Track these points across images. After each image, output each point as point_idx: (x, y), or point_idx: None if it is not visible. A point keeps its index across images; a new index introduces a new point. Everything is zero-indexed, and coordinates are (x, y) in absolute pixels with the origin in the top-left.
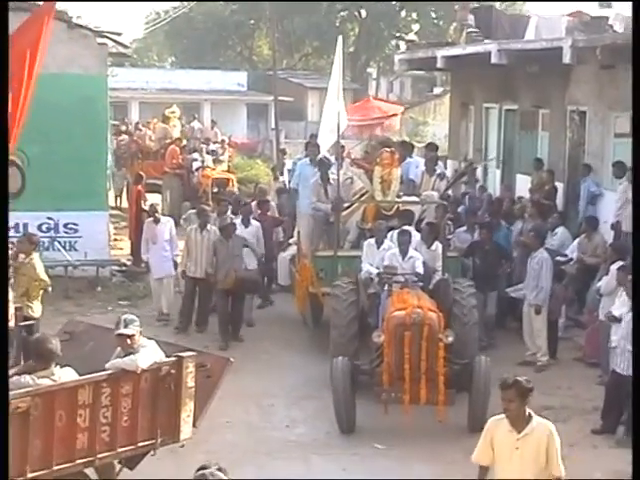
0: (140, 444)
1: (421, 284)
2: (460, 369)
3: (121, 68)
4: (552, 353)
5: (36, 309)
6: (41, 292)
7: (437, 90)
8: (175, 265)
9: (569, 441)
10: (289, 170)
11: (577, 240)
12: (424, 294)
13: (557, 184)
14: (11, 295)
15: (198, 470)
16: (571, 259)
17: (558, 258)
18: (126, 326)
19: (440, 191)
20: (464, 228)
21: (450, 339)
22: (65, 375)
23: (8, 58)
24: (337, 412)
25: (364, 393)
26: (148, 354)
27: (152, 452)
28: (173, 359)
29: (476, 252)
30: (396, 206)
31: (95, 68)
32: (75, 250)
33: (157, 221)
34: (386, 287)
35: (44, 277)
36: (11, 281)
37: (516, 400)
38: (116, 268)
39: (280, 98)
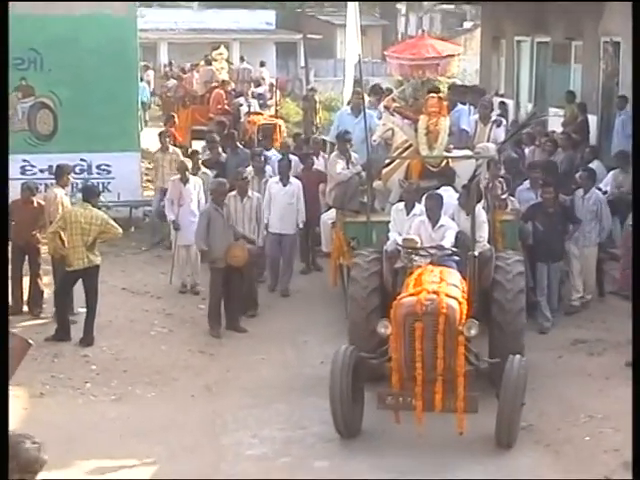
0: None
1: (456, 259)
2: (489, 369)
3: (149, 9)
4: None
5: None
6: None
7: (467, 24)
8: None
9: (604, 374)
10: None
11: (611, 173)
12: (454, 273)
13: (590, 117)
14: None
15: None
16: (605, 192)
17: None
18: None
19: (498, 142)
20: (526, 185)
21: (473, 332)
22: None
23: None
24: (333, 413)
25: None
26: None
27: None
28: None
29: (537, 215)
30: (445, 162)
31: (124, 8)
32: (108, 191)
33: (185, 181)
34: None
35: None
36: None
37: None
38: (149, 208)
39: (309, 36)
